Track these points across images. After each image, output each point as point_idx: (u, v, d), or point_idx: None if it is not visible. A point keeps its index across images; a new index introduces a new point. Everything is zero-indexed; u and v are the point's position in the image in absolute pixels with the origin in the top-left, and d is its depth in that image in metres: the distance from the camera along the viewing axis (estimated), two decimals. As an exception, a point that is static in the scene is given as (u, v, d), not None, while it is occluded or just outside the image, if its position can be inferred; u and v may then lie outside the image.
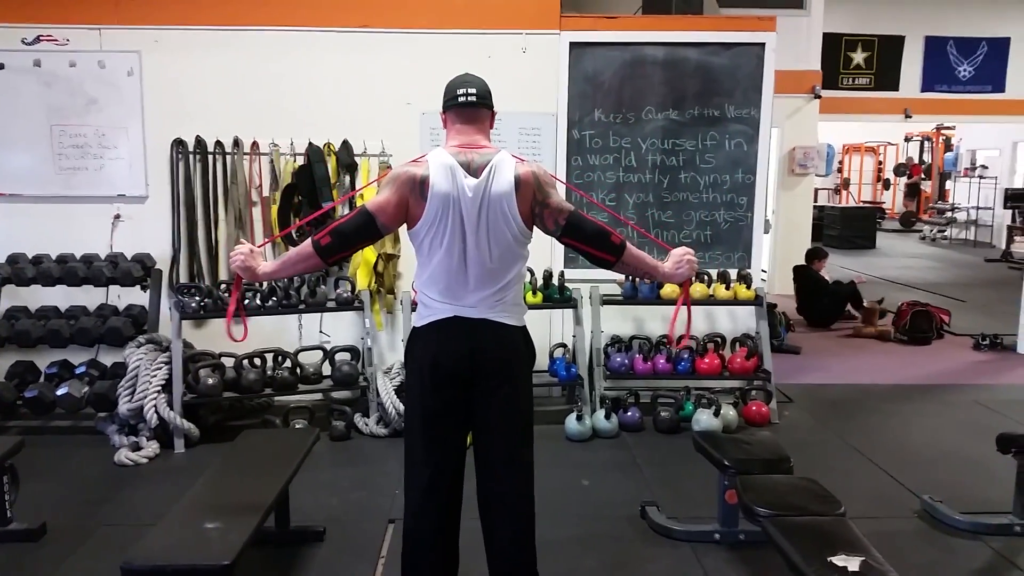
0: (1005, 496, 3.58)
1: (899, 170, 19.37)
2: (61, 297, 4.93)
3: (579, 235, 2.41)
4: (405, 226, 2.42)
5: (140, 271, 4.85)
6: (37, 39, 4.97)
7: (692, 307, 5.13)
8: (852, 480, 4.04)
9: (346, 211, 5.12)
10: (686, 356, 5.02)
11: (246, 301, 4.67)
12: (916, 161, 19.22)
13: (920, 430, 4.93)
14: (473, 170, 2.33)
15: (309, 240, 2.34)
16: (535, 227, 2.44)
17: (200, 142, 5.04)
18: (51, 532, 3.41)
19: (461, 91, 2.41)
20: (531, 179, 2.36)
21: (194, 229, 5.11)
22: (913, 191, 18.96)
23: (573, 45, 5.12)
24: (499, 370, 2.41)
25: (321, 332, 5.17)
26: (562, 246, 5.26)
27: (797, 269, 8.16)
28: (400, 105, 5.04)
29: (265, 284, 4.82)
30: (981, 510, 3.60)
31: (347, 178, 5.11)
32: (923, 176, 18.75)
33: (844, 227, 14.79)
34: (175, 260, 5.10)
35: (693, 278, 2.54)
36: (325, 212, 4.83)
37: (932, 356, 6.91)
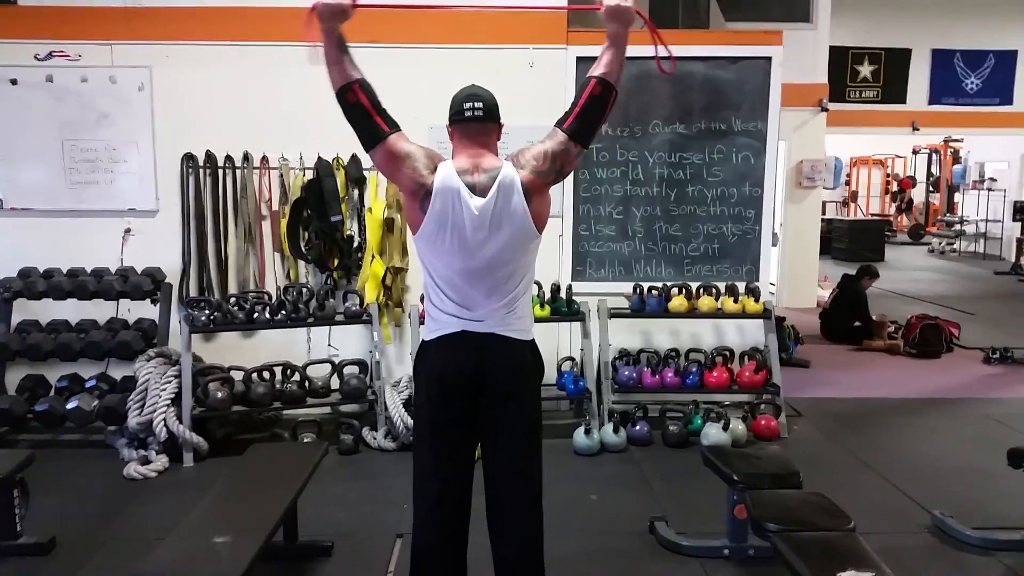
0: (1017, 511, 3.56)
1: (894, 196, 19.57)
2: (72, 311, 4.96)
3: (590, 128, 2.41)
4: (410, 233, 2.45)
5: (150, 285, 4.87)
6: (49, 55, 5.02)
7: (701, 319, 5.18)
8: (862, 495, 4.01)
9: (354, 227, 5.15)
10: (694, 370, 5.01)
11: (255, 314, 4.69)
12: (912, 174, 19.37)
13: (930, 444, 4.90)
14: (479, 191, 2.33)
15: (357, 78, 2.29)
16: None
17: (210, 156, 5.08)
18: (60, 546, 3.42)
19: (468, 105, 2.41)
20: (532, 179, 2.35)
21: (204, 243, 5.14)
22: (906, 206, 19.13)
23: (580, 59, 5.14)
24: (507, 384, 2.42)
25: (330, 345, 5.18)
26: (569, 260, 5.32)
27: (846, 278, 8.11)
28: (408, 119, 4.98)
29: (274, 298, 4.85)
30: (993, 525, 3.57)
31: (355, 192, 5.14)
32: (908, 190, 18.92)
33: (852, 240, 14.74)
34: (185, 274, 5.13)
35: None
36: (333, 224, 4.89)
37: (942, 369, 6.87)
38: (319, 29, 2.27)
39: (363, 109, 2.32)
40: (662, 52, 2.48)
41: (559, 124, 2.40)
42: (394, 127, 2.36)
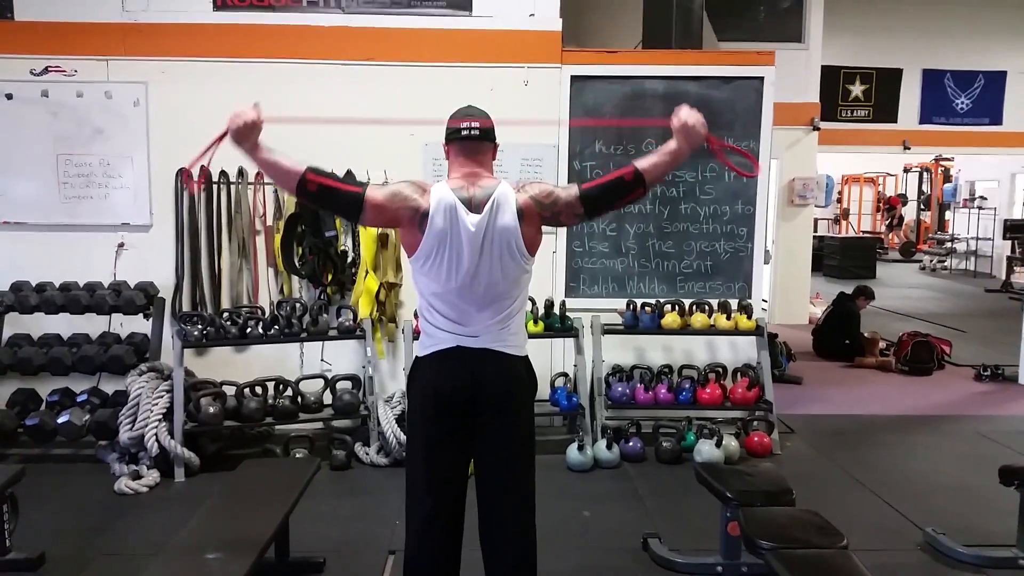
0: (1008, 529, 3.56)
1: (885, 214, 19.83)
2: (64, 325, 4.94)
3: (602, 203, 2.45)
4: (405, 253, 2.46)
5: (143, 299, 4.86)
6: (45, 70, 5.04)
7: (694, 336, 5.19)
8: (854, 512, 4.02)
9: (348, 242, 5.15)
10: (687, 386, 5.01)
11: (248, 329, 4.68)
12: (902, 192, 19.56)
13: (922, 461, 4.91)
14: (475, 206, 2.36)
15: (303, 168, 2.33)
16: (565, 227, 2.46)
17: (205, 171, 5.09)
18: (50, 562, 3.38)
19: (464, 124, 2.44)
20: (531, 205, 2.39)
21: (197, 258, 5.14)
22: (896, 223, 19.32)
23: (574, 78, 5.18)
24: (501, 400, 2.42)
25: (323, 361, 5.17)
26: (563, 276, 5.33)
27: (841, 296, 8.13)
28: (403, 136, 5.08)
29: (268, 313, 4.84)
30: (984, 543, 3.58)
31: (350, 208, 5.14)
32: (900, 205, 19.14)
33: (844, 257, 14.82)
34: (178, 288, 5.12)
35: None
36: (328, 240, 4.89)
37: (933, 387, 6.90)
38: (241, 149, 2.43)
39: (327, 189, 2.36)
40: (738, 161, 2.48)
41: (579, 183, 2.46)
42: (362, 184, 2.42)
